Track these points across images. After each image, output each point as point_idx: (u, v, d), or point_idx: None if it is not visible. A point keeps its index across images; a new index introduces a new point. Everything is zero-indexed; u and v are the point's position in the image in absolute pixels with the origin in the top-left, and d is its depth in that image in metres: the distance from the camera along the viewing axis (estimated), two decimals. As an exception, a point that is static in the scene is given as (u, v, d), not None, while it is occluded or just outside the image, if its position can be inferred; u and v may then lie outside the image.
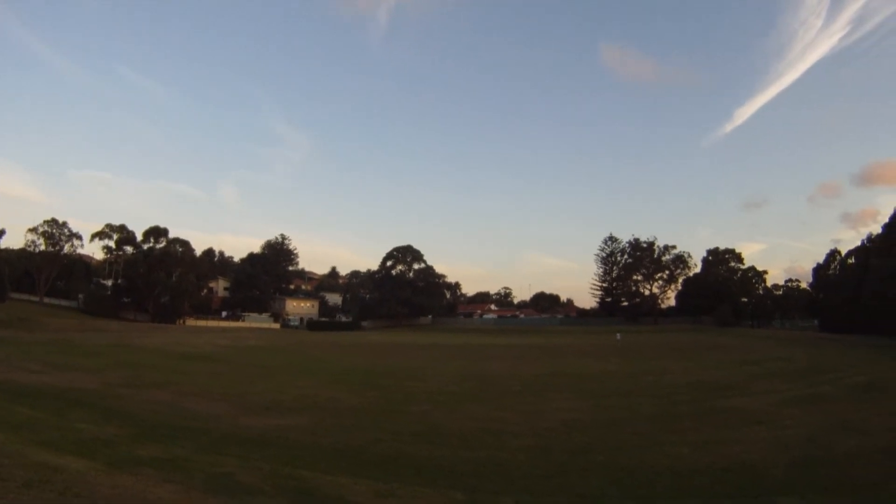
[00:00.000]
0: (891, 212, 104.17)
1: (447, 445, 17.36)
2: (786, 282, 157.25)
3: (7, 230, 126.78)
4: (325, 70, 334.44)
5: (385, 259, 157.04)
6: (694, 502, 12.02)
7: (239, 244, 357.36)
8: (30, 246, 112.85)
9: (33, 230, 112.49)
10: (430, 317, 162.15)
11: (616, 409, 25.81)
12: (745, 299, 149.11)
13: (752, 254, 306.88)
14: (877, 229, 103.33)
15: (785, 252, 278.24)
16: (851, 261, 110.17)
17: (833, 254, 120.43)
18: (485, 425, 21.18)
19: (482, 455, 16.07)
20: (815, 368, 43.03)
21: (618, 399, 28.92)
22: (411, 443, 17.69)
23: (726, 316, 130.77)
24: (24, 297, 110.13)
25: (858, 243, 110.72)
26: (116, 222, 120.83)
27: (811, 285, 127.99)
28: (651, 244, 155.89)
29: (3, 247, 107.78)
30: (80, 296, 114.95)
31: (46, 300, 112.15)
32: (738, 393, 30.72)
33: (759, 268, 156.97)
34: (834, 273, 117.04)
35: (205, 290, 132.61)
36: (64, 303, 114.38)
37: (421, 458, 15.58)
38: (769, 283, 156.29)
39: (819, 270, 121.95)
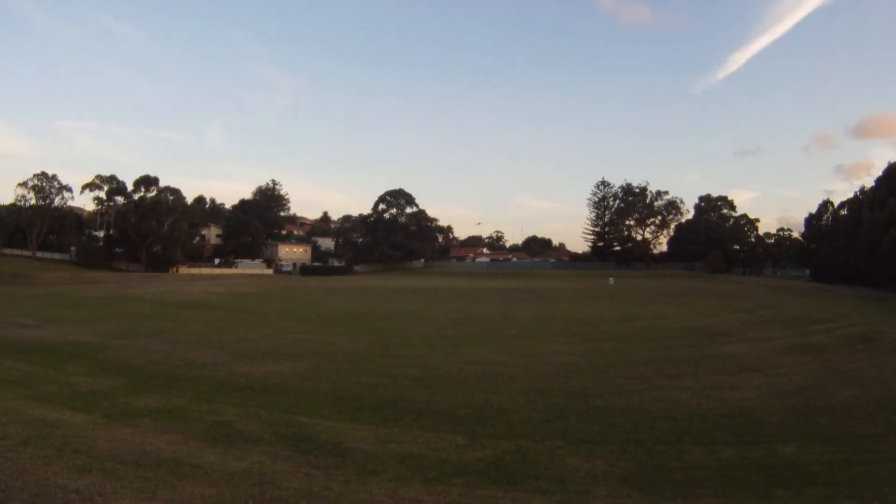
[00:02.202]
0: (884, 165, 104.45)
1: (446, 389, 17.34)
2: (777, 230, 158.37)
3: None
4: (310, 10, 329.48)
5: (377, 203, 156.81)
6: (695, 449, 11.98)
7: (229, 190, 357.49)
8: (20, 201, 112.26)
9: (23, 184, 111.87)
10: (422, 260, 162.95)
11: (612, 353, 25.88)
12: (737, 247, 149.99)
13: (744, 201, 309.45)
14: (870, 182, 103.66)
15: (777, 201, 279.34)
16: (844, 212, 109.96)
17: (826, 204, 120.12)
18: (482, 369, 21.21)
19: (481, 399, 16.06)
20: (808, 318, 43.08)
21: (613, 343, 29.03)
22: (410, 387, 17.66)
23: (718, 263, 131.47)
24: (17, 252, 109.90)
25: (851, 195, 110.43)
26: (105, 173, 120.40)
27: (803, 235, 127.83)
28: (643, 189, 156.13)
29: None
30: (73, 248, 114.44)
31: (39, 254, 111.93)
32: (732, 339, 30.85)
33: (751, 216, 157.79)
34: (826, 224, 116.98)
35: (197, 238, 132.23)
36: (57, 256, 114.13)
37: (420, 402, 15.55)
38: (761, 232, 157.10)
39: (811, 220, 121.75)
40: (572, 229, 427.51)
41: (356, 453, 10.81)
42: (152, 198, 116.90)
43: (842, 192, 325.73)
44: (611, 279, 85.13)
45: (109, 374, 18.80)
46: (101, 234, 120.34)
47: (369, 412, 14.38)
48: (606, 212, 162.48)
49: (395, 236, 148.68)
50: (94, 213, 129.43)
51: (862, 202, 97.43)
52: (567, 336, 31.84)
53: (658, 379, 19.77)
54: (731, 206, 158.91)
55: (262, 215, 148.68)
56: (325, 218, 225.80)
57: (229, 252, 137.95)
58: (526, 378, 19.53)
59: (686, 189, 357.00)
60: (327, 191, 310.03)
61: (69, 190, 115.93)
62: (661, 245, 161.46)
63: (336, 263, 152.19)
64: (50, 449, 9.54)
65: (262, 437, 11.59)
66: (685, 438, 12.70)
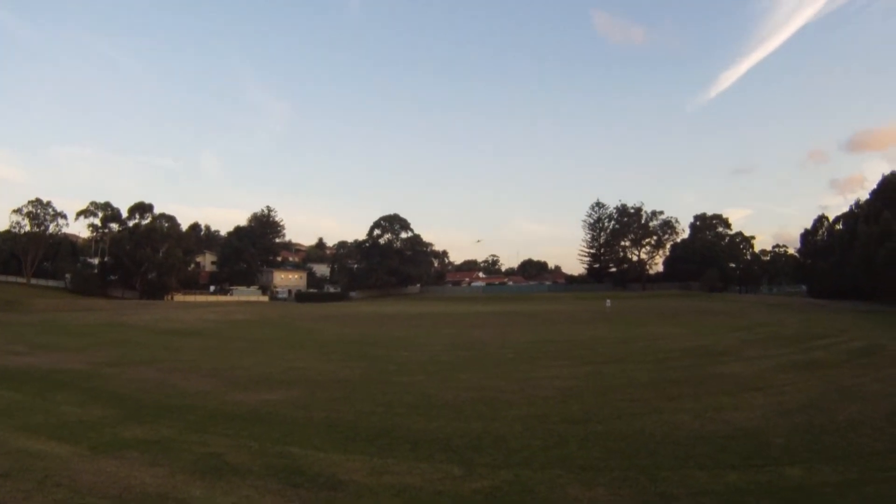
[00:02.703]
0: (878, 178, 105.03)
1: (442, 417, 16.94)
2: (773, 247, 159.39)
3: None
4: (301, 37, 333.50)
5: (372, 228, 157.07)
6: (699, 473, 11.62)
7: (224, 217, 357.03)
8: (14, 227, 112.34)
9: (17, 211, 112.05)
10: (418, 286, 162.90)
11: (611, 375, 25.44)
12: (733, 265, 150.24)
13: (739, 219, 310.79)
14: (864, 195, 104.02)
15: (772, 218, 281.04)
16: (839, 227, 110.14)
17: (821, 219, 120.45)
18: (479, 395, 20.74)
19: (478, 426, 15.65)
20: (807, 334, 43.00)
21: (612, 366, 28.57)
22: (405, 415, 17.24)
23: (714, 281, 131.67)
24: (11, 279, 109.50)
25: (846, 209, 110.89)
26: (100, 199, 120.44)
27: (799, 251, 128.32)
28: (638, 210, 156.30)
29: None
30: (67, 275, 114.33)
31: (34, 281, 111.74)
32: (732, 358, 30.49)
33: (746, 233, 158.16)
34: (822, 239, 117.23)
35: (192, 265, 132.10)
36: (51, 283, 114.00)
37: (415, 431, 15.14)
38: (756, 249, 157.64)
39: (807, 236, 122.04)
40: (568, 252, 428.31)
41: (349, 486, 10.44)
42: (147, 225, 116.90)
43: (836, 206, 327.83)
44: (608, 301, 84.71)
45: (99, 403, 18.41)
46: (95, 261, 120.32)
47: (363, 442, 13.97)
48: (602, 233, 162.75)
49: (390, 262, 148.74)
50: (88, 240, 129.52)
51: (857, 216, 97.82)
52: (565, 359, 31.40)
53: (659, 401, 19.36)
54: (727, 225, 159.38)
55: (258, 242, 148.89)
56: (321, 244, 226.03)
57: (224, 279, 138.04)
58: (524, 404, 19.13)
59: (681, 209, 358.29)
60: (322, 217, 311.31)
61: (64, 217, 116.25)
62: (657, 265, 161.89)
63: (332, 290, 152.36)
64: (30, 482, 9.27)
65: (252, 469, 11.21)
66: (689, 463, 12.32)
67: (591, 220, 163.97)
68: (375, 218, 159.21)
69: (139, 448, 12.47)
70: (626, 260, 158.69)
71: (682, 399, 19.76)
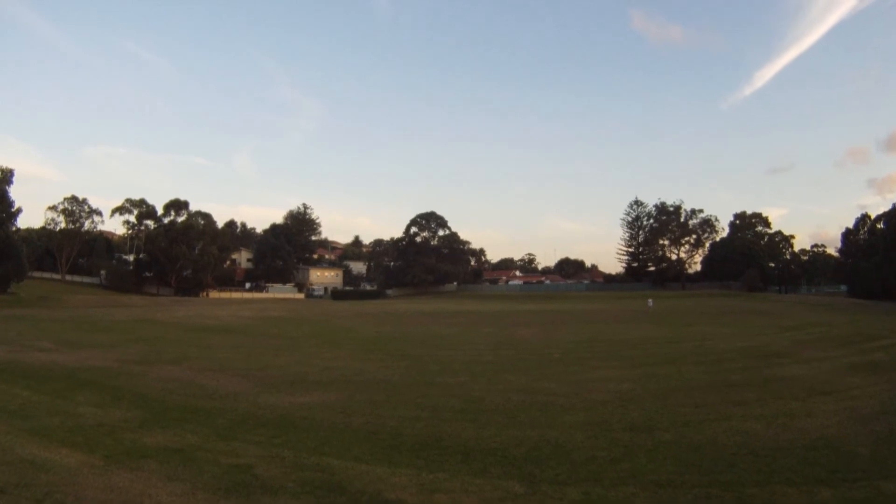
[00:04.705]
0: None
1: (493, 424, 15.47)
2: (812, 247, 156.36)
3: (26, 210, 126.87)
4: (332, 36, 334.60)
5: (409, 226, 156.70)
6: (789, 490, 10.09)
7: (259, 215, 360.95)
8: (50, 224, 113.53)
9: (53, 208, 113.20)
10: (455, 284, 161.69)
11: (666, 378, 23.86)
12: (773, 264, 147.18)
13: (776, 219, 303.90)
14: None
15: (809, 217, 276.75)
16: (880, 226, 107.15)
17: (863, 218, 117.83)
18: (531, 398, 19.30)
19: (534, 434, 14.19)
20: (861, 335, 41.16)
21: (665, 367, 27.00)
22: (453, 421, 15.82)
23: (754, 281, 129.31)
24: (47, 275, 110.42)
25: (883, 209, 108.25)
26: (135, 197, 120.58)
27: (839, 250, 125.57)
28: (678, 208, 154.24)
29: (22, 227, 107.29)
30: (103, 272, 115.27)
31: (68, 278, 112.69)
32: (789, 360, 28.82)
33: (784, 233, 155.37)
34: (863, 238, 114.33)
35: (228, 262, 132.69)
36: (86, 280, 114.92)
37: (466, 439, 13.70)
38: (795, 249, 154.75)
39: (848, 235, 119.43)
40: (605, 250, 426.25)
41: (397, 506, 9.02)
42: (183, 222, 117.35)
43: (874, 206, 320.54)
44: (650, 301, 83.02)
45: (121, 404, 17.27)
46: (130, 257, 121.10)
47: (409, 452, 12.54)
48: (640, 231, 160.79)
49: (427, 259, 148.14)
50: (124, 237, 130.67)
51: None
52: (615, 360, 29.91)
53: (723, 407, 17.80)
54: (767, 224, 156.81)
55: (293, 239, 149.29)
56: (357, 242, 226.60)
57: (260, 276, 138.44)
58: (580, 409, 17.63)
59: (718, 208, 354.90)
60: (357, 216, 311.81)
61: (99, 214, 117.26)
62: (696, 265, 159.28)
63: (368, 287, 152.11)
64: (27, 501, 8.18)
65: (285, 485, 9.81)
66: (774, 478, 10.77)
67: (630, 219, 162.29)
68: (410, 217, 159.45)
69: (159, 458, 11.18)
70: (664, 259, 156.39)
71: (749, 405, 18.16)
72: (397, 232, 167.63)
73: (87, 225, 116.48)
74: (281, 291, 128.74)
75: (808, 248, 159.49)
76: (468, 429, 14.84)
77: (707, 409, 17.59)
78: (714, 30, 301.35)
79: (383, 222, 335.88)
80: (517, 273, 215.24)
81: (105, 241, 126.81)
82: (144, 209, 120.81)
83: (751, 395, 19.84)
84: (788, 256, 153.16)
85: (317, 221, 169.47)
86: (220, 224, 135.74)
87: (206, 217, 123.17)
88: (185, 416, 15.99)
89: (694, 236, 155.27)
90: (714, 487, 10.23)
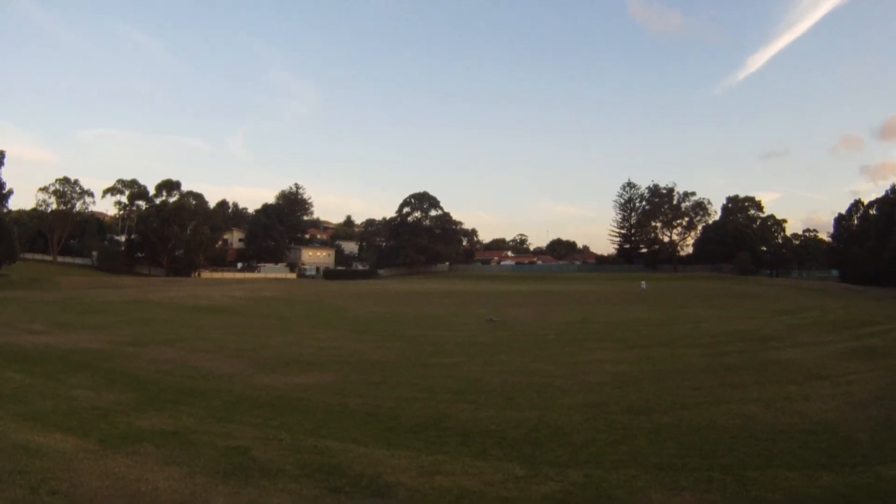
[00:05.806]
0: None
1: (491, 405, 15.41)
2: (804, 231, 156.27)
3: (17, 192, 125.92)
4: (327, 19, 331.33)
5: (401, 206, 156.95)
6: (789, 474, 10.00)
7: (252, 196, 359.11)
8: (41, 205, 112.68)
9: (44, 189, 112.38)
10: (447, 264, 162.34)
11: (662, 360, 23.91)
12: (764, 248, 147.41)
13: (768, 203, 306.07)
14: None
15: (801, 202, 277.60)
16: (873, 212, 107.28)
17: (856, 204, 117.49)
18: (528, 379, 19.28)
19: (533, 416, 14.11)
20: (854, 320, 41.22)
21: (661, 349, 27.05)
22: (450, 402, 15.75)
23: (746, 264, 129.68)
24: (38, 256, 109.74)
25: (876, 195, 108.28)
26: (127, 178, 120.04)
27: (831, 235, 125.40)
28: (670, 190, 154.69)
29: (13, 208, 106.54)
30: (94, 253, 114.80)
31: (60, 259, 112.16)
32: (785, 344, 28.86)
33: (776, 217, 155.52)
34: (856, 224, 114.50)
35: (220, 243, 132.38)
36: (78, 261, 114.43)
37: (464, 421, 13.61)
38: (788, 233, 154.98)
39: (841, 221, 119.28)
40: (596, 232, 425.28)
41: (398, 490, 8.93)
42: (174, 202, 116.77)
43: (866, 192, 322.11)
44: (643, 283, 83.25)
45: (115, 386, 17.07)
46: (122, 238, 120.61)
47: (407, 434, 12.45)
48: (633, 213, 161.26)
49: (419, 239, 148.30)
50: (115, 218, 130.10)
51: (893, 201, 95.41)
52: (610, 342, 29.94)
53: (721, 390, 17.79)
54: (759, 207, 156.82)
55: (285, 219, 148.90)
56: (349, 222, 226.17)
57: (252, 256, 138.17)
58: (578, 390, 17.57)
59: (711, 192, 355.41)
60: (350, 197, 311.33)
61: (91, 195, 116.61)
62: (688, 247, 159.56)
63: (360, 267, 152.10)
64: (22, 489, 7.90)
65: (284, 468, 9.69)
66: (774, 461, 10.69)
67: (622, 201, 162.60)
68: (403, 197, 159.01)
69: (155, 441, 11.01)
70: (656, 241, 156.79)
71: (747, 388, 18.15)
72: (389, 213, 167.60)
73: (78, 206, 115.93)
74: (273, 271, 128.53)
75: (800, 232, 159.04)
76: (466, 410, 14.78)
77: (704, 391, 17.57)
78: (708, 14, 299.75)
79: (376, 204, 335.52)
80: (509, 253, 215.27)
81: (97, 222, 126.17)
82: (136, 190, 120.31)
83: (748, 378, 19.84)
84: (780, 240, 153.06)
85: (309, 202, 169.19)
86: (212, 204, 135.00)
87: (198, 197, 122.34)
88: (179, 397, 15.84)
89: (686, 219, 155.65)
90: (715, 471, 10.15)
